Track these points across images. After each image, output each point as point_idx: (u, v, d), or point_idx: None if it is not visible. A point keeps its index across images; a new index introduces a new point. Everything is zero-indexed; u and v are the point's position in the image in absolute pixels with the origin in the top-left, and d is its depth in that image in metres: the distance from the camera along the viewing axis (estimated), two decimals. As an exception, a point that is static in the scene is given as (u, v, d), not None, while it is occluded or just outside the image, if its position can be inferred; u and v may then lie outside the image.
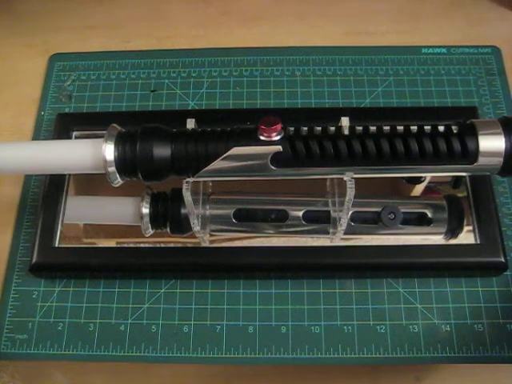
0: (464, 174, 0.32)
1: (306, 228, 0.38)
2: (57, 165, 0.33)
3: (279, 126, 0.30)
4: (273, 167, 0.30)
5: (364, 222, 0.38)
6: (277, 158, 0.30)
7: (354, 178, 0.31)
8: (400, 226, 0.37)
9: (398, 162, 0.30)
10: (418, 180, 0.39)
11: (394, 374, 0.36)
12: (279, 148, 0.30)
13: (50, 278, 0.38)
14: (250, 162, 0.30)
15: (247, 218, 0.38)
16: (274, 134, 0.30)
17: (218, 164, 0.30)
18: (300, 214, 0.38)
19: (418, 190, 0.40)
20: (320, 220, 0.38)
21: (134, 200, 0.38)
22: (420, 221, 0.38)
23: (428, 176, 0.39)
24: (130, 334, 0.37)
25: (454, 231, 0.37)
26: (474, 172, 0.31)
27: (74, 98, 0.45)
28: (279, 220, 0.38)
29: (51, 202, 0.38)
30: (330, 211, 0.37)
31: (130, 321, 0.37)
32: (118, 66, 0.46)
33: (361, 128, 0.31)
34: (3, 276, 0.39)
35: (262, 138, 0.30)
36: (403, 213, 0.37)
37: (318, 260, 0.36)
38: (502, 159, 0.30)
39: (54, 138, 0.41)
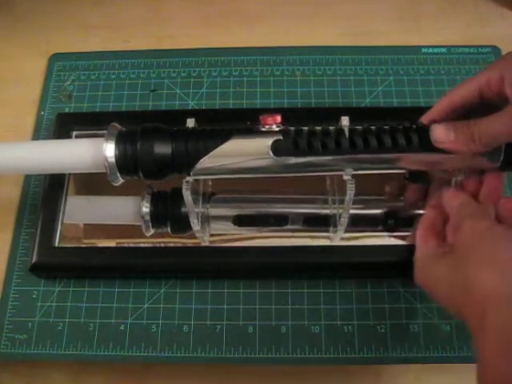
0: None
1: (306, 228, 0.38)
2: (57, 164, 0.33)
3: (279, 118, 0.31)
4: (273, 155, 0.31)
5: (364, 222, 0.38)
6: (277, 147, 0.30)
7: (354, 176, 0.31)
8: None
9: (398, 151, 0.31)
10: (422, 179, 0.39)
11: (394, 374, 0.36)
12: (279, 136, 0.30)
13: (50, 277, 0.38)
14: (250, 150, 0.31)
15: (247, 224, 0.38)
16: (274, 125, 0.31)
17: (218, 152, 0.30)
18: (300, 214, 0.38)
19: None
20: (320, 220, 0.38)
21: (135, 199, 0.38)
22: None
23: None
24: (129, 333, 0.37)
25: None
26: (477, 166, 0.32)
27: (74, 97, 0.45)
28: (279, 224, 0.38)
29: (51, 202, 0.38)
30: (329, 211, 0.37)
31: (129, 321, 0.37)
32: (118, 66, 0.46)
33: (360, 128, 0.31)
34: (3, 276, 0.39)
35: (262, 129, 0.31)
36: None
37: (317, 260, 0.36)
38: (501, 154, 0.30)
39: (54, 138, 0.41)
